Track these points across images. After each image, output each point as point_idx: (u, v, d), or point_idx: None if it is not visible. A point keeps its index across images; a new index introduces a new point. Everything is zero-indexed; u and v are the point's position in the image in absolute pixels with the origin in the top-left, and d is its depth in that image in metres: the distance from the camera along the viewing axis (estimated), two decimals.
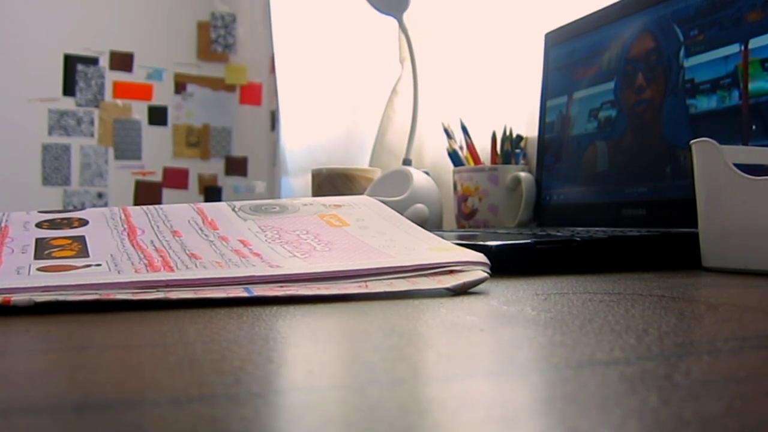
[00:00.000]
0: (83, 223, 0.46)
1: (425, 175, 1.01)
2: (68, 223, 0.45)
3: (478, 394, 0.17)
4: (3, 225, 0.45)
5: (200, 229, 0.45)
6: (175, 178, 1.99)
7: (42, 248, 0.40)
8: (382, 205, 0.50)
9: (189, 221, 0.46)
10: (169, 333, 0.26)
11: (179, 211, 0.48)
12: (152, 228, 0.45)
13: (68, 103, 1.89)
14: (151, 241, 0.42)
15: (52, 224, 0.45)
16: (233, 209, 0.48)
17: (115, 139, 1.93)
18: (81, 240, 0.42)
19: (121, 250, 0.40)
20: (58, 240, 0.42)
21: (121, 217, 0.47)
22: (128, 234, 0.43)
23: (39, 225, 0.45)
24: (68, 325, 0.28)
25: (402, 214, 0.49)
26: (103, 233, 0.43)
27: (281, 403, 0.16)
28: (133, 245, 0.41)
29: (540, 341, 0.24)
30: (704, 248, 0.52)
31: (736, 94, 0.67)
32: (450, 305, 0.33)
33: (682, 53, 0.74)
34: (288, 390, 0.18)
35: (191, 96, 2.00)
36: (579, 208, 0.88)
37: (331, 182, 1.08)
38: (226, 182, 2.03)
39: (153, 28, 1.96)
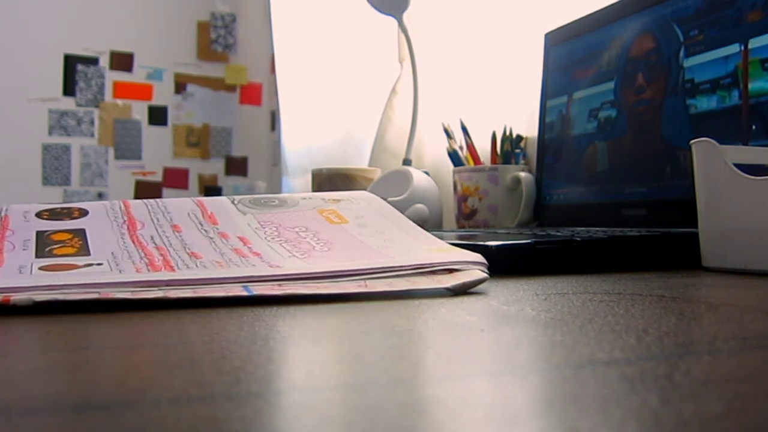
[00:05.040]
0: (83, 213, 0.46)
1: (425, 175, 1.01)
2: (68, 213, 0.46)
3: (478, 394, 0.17)
4: (3, 215, 0.45)
5: (200, 223, 0.45)
6: (176, 178, 1.99)
7: (43, 244, 0.40)
8: (381, 200, 0.50)
9: (189, 214, 0.46)
10: (169, 333, 0.26)
11: (179, 203, 0.48)
12: (152, 221, 0.45)
13: (68, 103, 1.89)
14: (152, 237, 0.42)
15: (52, 213, 0.45)
16: (233, 202, 0.49)
17: (115, 139, 1.93)
18: (81, 234, 0.42)
19: (122, 248, 0.40)
20: (59, 234, 0.42)
21: (121, 208, 0.47)
22: (128, 228, 0.43)
23: (39, 215, 0.45)
24: (68, 325, 0.28)
25: (402, 214, 0.49)
26: (104, 226, 0.43)
27: (281, 403, 0.16)
28: (133, 241, 0.41)
29: (540, 341, 0.24)
30: (704, 248, 0.52)
31: (736, 94, 0.67)
32: (450, 305, 0.33)
33: (682, 53, 0.74)
34: (288, 390, 0.18)
35: (191, 96, 2.00)
36: (579, 208, 0.88)
37: (331, 182, 1.08)
38: (227, 182, 2.03)
39: (153, 28, 1.96)
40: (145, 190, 1.95)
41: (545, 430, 0.14)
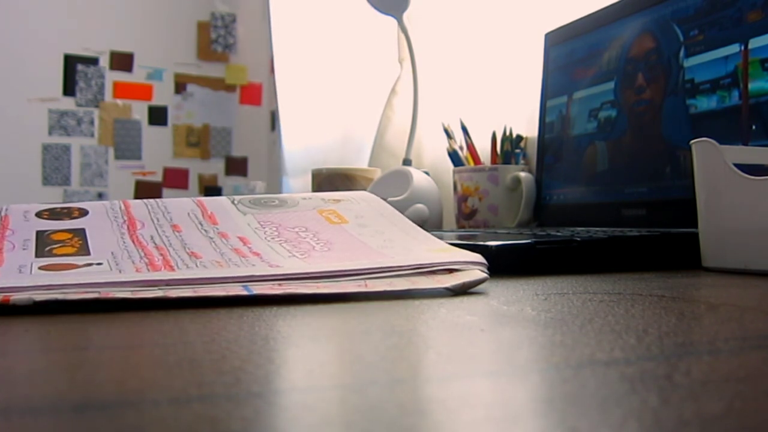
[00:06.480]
0: (83, 213, 0.46)
1: (425, 175, 1.01)
2: (68, 213, 0.46)
3: (478, 394, 0.17)
4: (3, 215, 0.45)
5: (200, 223, 0.45)
6: (176, 178, 1.99)
7: (43, 244, 0.40)
8: (381, 200, 0.50)
9: (189, 214, 0.46)
10: (169, 333, 0.26)
11: (179, 203, 0.48)
12: (152, 221, 0.45)
13: (68, 103, 1.89)
14: (151, 237, 0.42)
15: (52, 213, 0.45)
16: (233, 202, 0.49)
17: (115, 139, 1.93)
18: (81, 234, 0.42)
19: (122, 247, 0.40)
20: (59, 234, 0.42)
21: (120, 208, 0.47)
22: (128, 227, 0.43)
23: (39, 215, 0.45)
24: (68, 325, 0.28)
25: (402, 214, 0.49)
26: (103, 226, 0.43)
27: (281, 403, 0.16)
28: (133, 241, 0.41)
29: (540, 341, 0.24)
30: (704, 248, 0.52)
31: (736, 94, 0.67)
32: (450, 305, 0.33)
33: (682, 53, 0.74)
34: (288, 390, 0.18)
35: (191, 96, 2.00)
36: (579, 208, 0.88)
37: (331, 182, 1.08)
38: (226, 182, 2.03)
39: (153, 28, 1.96)
40: (145, 190, 1.95)
41: (545, 430, 0.14)
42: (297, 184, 1.58)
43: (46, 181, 1.87)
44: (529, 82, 1.06)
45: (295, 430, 0.14)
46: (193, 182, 2.00)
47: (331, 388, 0.18)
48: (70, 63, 1.89)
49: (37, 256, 0.38)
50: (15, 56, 1.83)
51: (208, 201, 0.49)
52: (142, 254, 0.39)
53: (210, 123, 2.02)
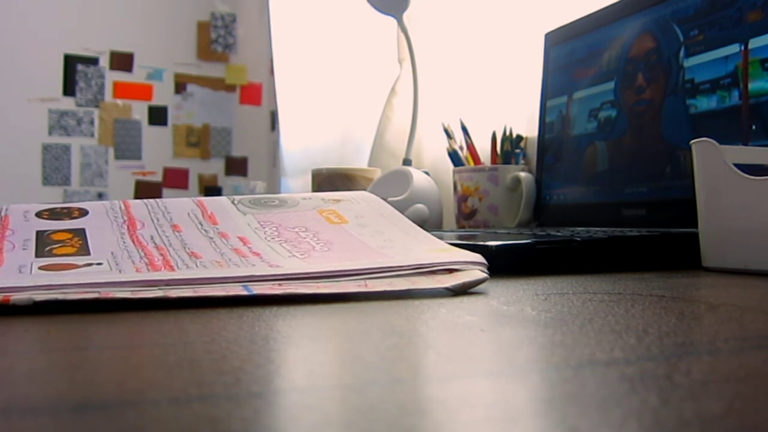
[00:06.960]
0: (83, 213, 0.46)
1: (425, 175, 1.01)
2: (68, 213, 0.46)
3: (478, 394, 0.17)
4: (3, 215, 0.45)
5: (200, 223, 0.45)
6: (175, 178, 1.99)
7: (43, 244, 0.40)
8: (381, 200, 0.50)
9: (189, 214, 0.46)
10: (169, 333, 0.26)
11: (179, 203, 0.48)
12: (152, 221, 0.45)
13: (68, 103, 1.89)
14: (151, 237, 0.42)
15: (52, 213, 0.45)
16: (233, 202, 0.49)
17: (115, 139, 1.93)
18: (81, 234, 0.42)
19: (122, 247, 0.40)
20: (59, 234, 0.42)
21: (120, 208, 0.47)
22: (128, 227, 0.43)
23: (39, 215, 0.45)
24: (68, 325, 0.28)
25: (402, 214, 0.49)
26: (103, 226, 0.44)
27: (281, 403, 0.16)
28: (133, 241, 0.41)
29: (540, 341, 0.24)
30: (704, 248, 0.52)
31: (736, 94, 0.67)
32: (450, 305, 0.33)
33: (682, 53, 0.74)
34: (288, 390, 0.18)
35: (191, 96, 2.00)
36: (579, 208, 0.88)
37: (331, 182, 1.08)
38: (226, 182, 2.03)
39: (153, 28, 1.96)
40: (145, 190, 1.95)
41: (545, 430, 0.14)
42: (297, 184, 1.58)
43: (46, 181, 1.87)
44: (529, 82, 1.06)
45: (295, 430, 0.14)
46: (193, 182, 2.00)
47: (331, 388, 0.18)
48: (70, 63, 1.89)
49: (37, 256, 0.38)
50: (15, 56, 1.83)
51: (208, 201, 0.49)
52: (142, 254, 0.39)
53: (210, 123, 2.02)
